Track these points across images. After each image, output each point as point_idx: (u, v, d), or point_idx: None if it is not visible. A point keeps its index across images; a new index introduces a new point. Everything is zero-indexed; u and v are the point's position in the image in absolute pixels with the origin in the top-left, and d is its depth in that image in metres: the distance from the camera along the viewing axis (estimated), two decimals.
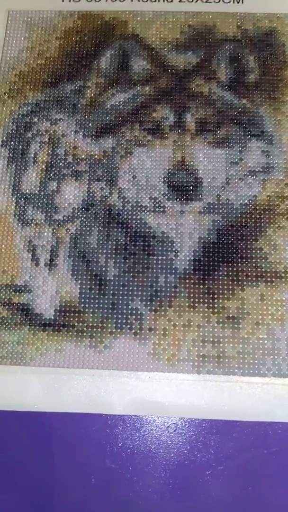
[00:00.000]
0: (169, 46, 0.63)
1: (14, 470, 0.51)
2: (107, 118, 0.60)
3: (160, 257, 0.56)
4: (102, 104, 0.61)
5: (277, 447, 0.52)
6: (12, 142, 0.60)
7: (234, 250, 0.56)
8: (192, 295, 0.55)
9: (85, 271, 0.55)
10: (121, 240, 0.56)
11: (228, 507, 0.51)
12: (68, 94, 0.62)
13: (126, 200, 0.58)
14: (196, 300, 0.54)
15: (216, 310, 0.54)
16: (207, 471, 0.51)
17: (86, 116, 0.61)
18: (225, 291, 0.55)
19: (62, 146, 0.60)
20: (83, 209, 0.57)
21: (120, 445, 0.52)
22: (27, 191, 0.58)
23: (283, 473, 0.51)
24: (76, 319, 0.54)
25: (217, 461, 0.51)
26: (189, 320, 0.54)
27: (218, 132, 0.59)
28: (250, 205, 0.57)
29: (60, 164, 0.59)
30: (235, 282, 0.55)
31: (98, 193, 0.58)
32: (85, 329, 0.54)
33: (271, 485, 0.51)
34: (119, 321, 0.54)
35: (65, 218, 0.57)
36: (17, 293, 0.55)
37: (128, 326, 0.54)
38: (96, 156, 0.59)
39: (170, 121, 0.60)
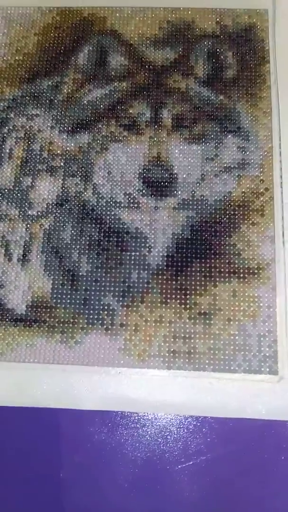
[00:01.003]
0: (147, 42, 0.63)
1: None
2: (84, 114, 0.60)
3: (133, 253, 0.56)
4: (78, 100, 0.61)
5: (247, 443, 0.52)
6: None
7: (208, 246, 0.56)
8: (164, 291, 0.55)
9: (58, 267, 0.56)
10: (95, 236, 0.56)
11: (197, 503, 0.51)
12: (45, 90, 0.62)
13: (100, 196, 0.58)
14: (168, 296, 0.54)
15: (188, 306, 0.54)
16: (176, 466, 0.51)
17: (63, 112, 0.61)
18: (198, 287, 0.54)
19: (37, 141, 0.60)
20: (57, 205, 0.57)
21: (89, 440, 0.52)
22: (2, 186, 0.58)
23: (252, 469, 0.51)
24: (48, 314, 0.54)
25: (187, 456, 0.51)
26: (160, 316, 0.54)
27: (194, 128, 0.59)
28: (225, 202, 0.57)
29: (36, 159, 0.59)
30: (208, 278, 0.55)
31: (72, 188, 0.58)
32: (56, 324, 0.54)
33: (240, 480, 0.51)
34: (91, 316, 0.54)
35: (39, 213, 0.57)
36: None
37: (100, 321, 0.54)
38: (71, 152, 0.59)
39: (147, 117, 0.60)
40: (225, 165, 0.58)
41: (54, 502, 0.50)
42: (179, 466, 0.51)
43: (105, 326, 0.54)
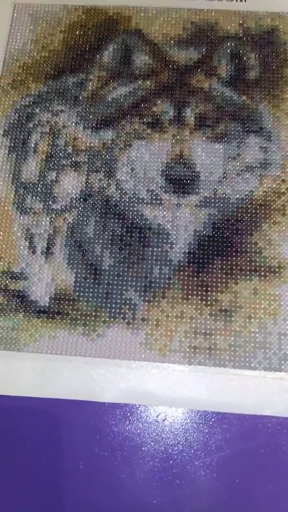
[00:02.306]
0: (171, 42, 0.64)
1: (1, 455, 0.52)
2: (108, 110, 0.61)
3: (155, 249, 0.56)
4: (103, 97, 0.62)
5: (265, 440, 0.52)
6: (13, 132, 0.61)
7: (229, 244, 0.56)
8: (185, 287, 0.55)
9: (81, 260, 0.56)
10: (117, 231, 0.57)
11: (215, 498, 0.51)
12: (70, 87, 0.62)
13: (123, 191, 0.58)
14: (190, 292, 0.55)
15: (209, 303, 0.54)
16: (195, 461, 0.51)
17: (87, 109, 0.61)
18: (219, 284, 0.55)
19: (62, 137, 0.60)
20: (81, 200, 0.58)
21: (109, 432, 0.52)
22: (27, 180, 0.59)
23: (270, 466, 0.51)
24: (71, 307, 0.55)
25: (206, 452, 0.52)
26: (182, 311, 0.54)
27: (217, 127, 0.60)
28: (246, 200, 0.58)
29: (60, 154, 0.60)
30: (229, 276, 0.55)
31: (96, 184, 0.59)
32: (79, 317, 0.54)
33: (258, 477, 0.51)
34: (113, 310, 0.54)
35: (63, 207, 0.58)
36: (13, 280, 0.56)
37: (122, 315, 0.54)
38: (95, 148, 0.60)
39: (170, 115, 0.60)
40: (247, 164, 0.59)
41: (73, 492, 0.51)
42: (198, 461, 0.51)
43: (126, 320, 0.54)
